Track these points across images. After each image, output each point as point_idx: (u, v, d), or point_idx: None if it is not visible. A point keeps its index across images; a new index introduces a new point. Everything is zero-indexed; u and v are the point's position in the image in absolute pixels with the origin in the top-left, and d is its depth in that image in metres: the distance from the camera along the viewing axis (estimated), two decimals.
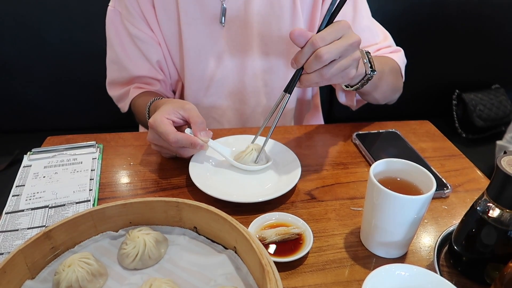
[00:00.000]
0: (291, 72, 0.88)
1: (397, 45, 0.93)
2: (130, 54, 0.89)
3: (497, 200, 0.44)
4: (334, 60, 0.58)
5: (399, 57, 0.88)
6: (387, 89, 0.83)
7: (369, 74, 0.70)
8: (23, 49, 1.34)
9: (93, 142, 0.78)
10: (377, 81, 0.76)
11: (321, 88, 1.08)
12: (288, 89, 0.65)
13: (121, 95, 0.95)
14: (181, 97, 0.97)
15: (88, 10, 1.30)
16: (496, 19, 1.48)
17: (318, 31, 0.59)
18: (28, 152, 0.74)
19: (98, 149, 0.76)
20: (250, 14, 0.85)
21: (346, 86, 0.75)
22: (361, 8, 0.88)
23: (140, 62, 0.89)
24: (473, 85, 1.63)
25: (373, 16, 0.91)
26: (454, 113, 1.63)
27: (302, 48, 0.58)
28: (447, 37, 1.49)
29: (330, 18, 0.60)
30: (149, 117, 0.78)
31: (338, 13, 0.59)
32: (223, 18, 0.85)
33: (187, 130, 0.68)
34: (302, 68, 0.61)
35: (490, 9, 1.46)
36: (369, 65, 0.69)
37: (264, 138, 0.70)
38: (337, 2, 0.59)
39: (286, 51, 0.89)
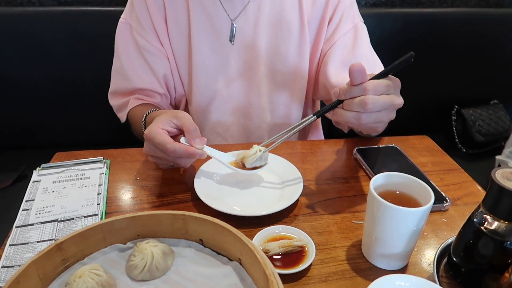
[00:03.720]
0: (297, 91, 0.91)
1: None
2: (136, 66, 0.91)
3: (493, 212, 0.46)
4: (375, 111, 0.59)
5: None
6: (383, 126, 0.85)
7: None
8: (31, 67, 1.38)
9: (100, 157, 0.80)
10: None
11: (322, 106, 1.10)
12: (318, 113, 0.65)
13: (121, 105, 0.97)
14: (185, 111, 0.99)
15: (96, 30, 1.34)
16: (493, 35, 1.51)
17: (375, 77, 0.60)
18: (38, 168, 0.76)
19: (105, 164, 0.78)
20: (259, 34, 0.88)
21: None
22: (362, 36, 0.91)
23: (144, 74, 0.92)
24: (471, 101, 1.65)
25: (372, 33, 0.95)
26: (454, 128, 1.65)
27: (353, 85, 0.59)
28: (445, 53, 1.52)
29: (387, 72, 0.61)
30: (145, 128, 0.80)
31: (397, 70, 0.60)
32: (233, 37, 0.88)
33: (182, 139, 0.68)
34: (341, 101, 0.61)
35: (486, 26, 1.50)
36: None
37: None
38: (402, 60, 0.60)
39: (293, 71, 0.92)
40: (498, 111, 1.64)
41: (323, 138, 1.11)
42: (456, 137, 1.65)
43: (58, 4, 1.38)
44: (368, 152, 0.84)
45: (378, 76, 0.61)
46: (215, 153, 0.72)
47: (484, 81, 1.63)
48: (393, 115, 0.63)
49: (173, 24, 0.88)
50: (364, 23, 0.94)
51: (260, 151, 0.70)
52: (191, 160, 0.70)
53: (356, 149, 0.84)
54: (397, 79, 0.63)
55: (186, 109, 0.99)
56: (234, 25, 0.87)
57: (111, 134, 1.38)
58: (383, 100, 0.58)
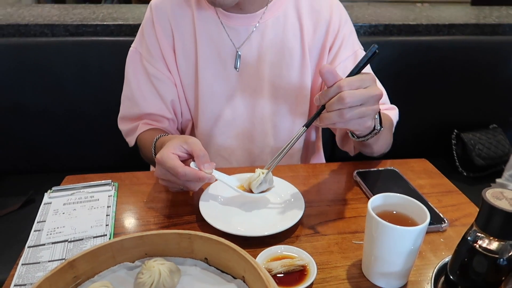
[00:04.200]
0: (298, 116, 0.95)
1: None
2: (145, 92, 0.96)
3: (485, 230, 0.48)
4: (355, 106, 0.63)
5: (394, 115, 0.95)
6: (384, 143, 0.88)
7: (377, 130, 0.74)
8: (42, 94, 1.42)
9: (109, 180, 0.83)
10: (379, 136, 0.80)
11: (323, 132, 1.14)
12: (306, 124, 0.69)
13: (130, 129, 1.00)
14: (191, 135, 1.03)
15: (105, 59, 1.39)
16: (489, 62, 1.55)
17: (347, 76, 0.64)
18: (49, 190, 0.79)
19: (114, 187, 0.81)
20: (262, 61, 0.93)
21: (353, 136, 0.78)
22: None
23: (153, 100, 0.96)
24: (471, 125, 1.68)
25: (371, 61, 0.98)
26: (454, 152, 1.67)
27: (328, 87, 0.63)
28: (443, 79, 1.56)
29: (359, 69, 0.65)
30: (155, 152, 0.83)
31: (366, 66, 0.65)
32: (238, 63, 0.92)
33: (192, 164, 0.71)
34: (323, 107, 0.65)
35: (482, 53, 1.54)
36: (379, 120, 0.74)
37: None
38: (368, 57, 0.65)
39: (294, 96, 0.96)
40: (497, 135, 1.67)
41: (324, 161, 1.13)
42: (457, 160, 1.67)
43: (69, 34, 1.44)
44: (367, 174, 0.86)
45: (350, 74, 0.65)
46: (223, 177, 0.75)
47: (482, 106, 1.66)
48: (377, 107, 0.66)
49: (181, 52, 0.93)
50: (364, 51, 0.98)
51: (262, 173, 0.73)
52: (200, 184, 0.72)
53: (356, 171, 0.87)
54: (371, 73, 0.66)
55: (192, 133, 1.03)
56: (239, 52, 0.92)
57: (119, 160, 1.41)
58: (359, 92, 0.62)
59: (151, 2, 0.96)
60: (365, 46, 1.00)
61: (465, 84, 1.59)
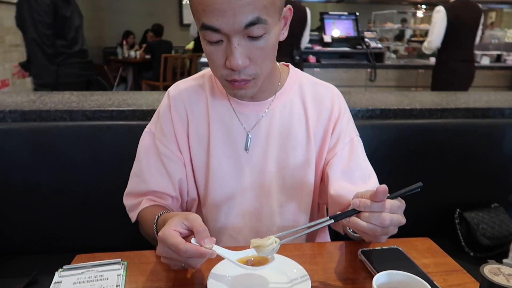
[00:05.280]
0: (304, 195, 1.00)
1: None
2: (153, 170, 1.01)
3: None
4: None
5: None
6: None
7: None
8: (55, 175, 1.48)
9: (118, 259, 0.85)
10: None
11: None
12: (335, 217, 0.76)
13: (133, 205, 1.04)
14: (197, 213, 1.05)
15: (118, 141, 1.47)
16: (481, 144, 1.62)
17: (389, 197, 0.73)
18: (60, 269, 0.81)
19: (123, 266, 0.83)
20: (270, 143, 1.00)
21: (354, 232, 0.88)
22: (357, 149, 1.02)
23: (160, 178, 1.00)
24: (473, 204, 1.70)
25: (369, 143, 1.06)
26: (459, 232, 1.67)
27: (374, 200, 0.72)
28: (439, 160, 1.62)
29: (399, 195, 0.75)
30: (157, 229, 0.87)
31: (406, 195, 0.76)
32: (248, 146, 0.99)
33: (193, 240, 0.72)
34: (356, 211, 0.74)
35: (474, 135, 1.62)
36: None
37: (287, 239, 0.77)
38: (411, 190, 0.75)
39: (300, 177, 1.02)
40: (500, 214, 1.68)
41: (329, 239, 1.15)
42: (462, 240, 1.66)
43: (86, 119, 1.55)
44: (372, 253, 0.88)
45: (391, 197, 0.73)
46: (224, 252, 0.76)
47: (481, 185, 1.70)
48: (396, 231, 0.75)
49: (195, 135, 1.00)
50: (361, 133, 1.06)
51: (276, 242, 0.75)
52: (202, 260, 0.74)
53: (360, 250, 0.88)
54: (404, 202, 0.75)
55: (198, 211, 1.06)
56: (249, 135, 0.99)
57: (129, 239, 1.42)
58: (396, 218, 0.72)
59: (169, 90, 1.05)
60: (364, 128, 1.08)
61: (462, 164, 1.64)
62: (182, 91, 1.03)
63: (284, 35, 0.92)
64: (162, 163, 1.01)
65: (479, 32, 3.74)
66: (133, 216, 1.04)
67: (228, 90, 0.92)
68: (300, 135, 1.01)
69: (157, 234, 0.78)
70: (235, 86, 0.87)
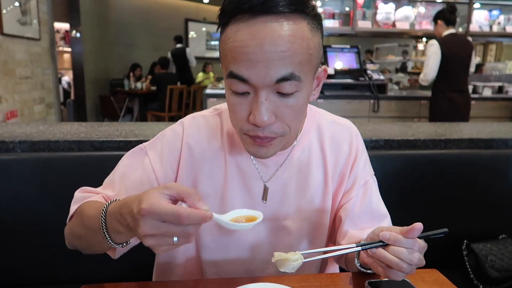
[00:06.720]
0: (318, 238, 1.04)
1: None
2: (128, 187, 0.92)
3: None
4: None
5: None
6: None
7: None
8: (61, 206, 1.47)
9: None
10: None
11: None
12: (362, 245, 0.77)
13: (82, 197, 0.93)
14: (197, 262, 1.02)
15: None
16: (485, 174, 1.62)
17: (419, 237, 0.76)
18: None
19: None
20: (287, 192, 0.97)
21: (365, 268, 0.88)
22: (371, 191, 1.01)
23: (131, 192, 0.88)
24: (480, 236, 1.68)
25: (375, 172, 1.06)
26: (467, 263, 1.65)
27: (406, 236, 0.74)
28: (444, 190, 1.61)
29: (426, 236, 0.79)
30: (105, 222, 0.73)
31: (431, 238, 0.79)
32: (265, 196, 0.96)
33: (184, 205, 0.65)
34: (384, 244, 0.75)
35: (478, 166, 1.62)
36: None
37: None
38: (437, 234, 0.79)
39: (316, 221, 1.00)
40: (508, 245, 1.66)
41: (338, 270, 1.14)
42: (471, 273, 1.63)
43: (94, 149, 1.57)
44: (379, 285, 0.87)
45: (420, 237, 0.76)
46: (217, 216, 0.72)
47: (487, 216, 1.68)
48: (415, 271, 0.77)
49: (209, 180, 0.95)
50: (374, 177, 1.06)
51: (301, 258, 0.76)
52: (198, 227, 0.66)
53: (367, 282, 0.87)
54: (427, 244, 0.78)
55: (198, 260, 1.02)
56: (267, 186, 0.95)
57: (132, 271, 1.41)
58: (421, 259, 0.75)
59: (184, 120, 0.99)
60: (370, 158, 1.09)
61: (467, 195, 1.64)
62: (201, 127, 0.96)
63: (315, 96, 0.86)
64: (141, 185, 0.91)
65: (472, 64, 3.90)
66: (73, 209, 0.92)
67: (247, 147, 0.84)
68: (318, 182, 0.99)
69: (105, 226, 0.71)
70: (256, 142, 0.81)
